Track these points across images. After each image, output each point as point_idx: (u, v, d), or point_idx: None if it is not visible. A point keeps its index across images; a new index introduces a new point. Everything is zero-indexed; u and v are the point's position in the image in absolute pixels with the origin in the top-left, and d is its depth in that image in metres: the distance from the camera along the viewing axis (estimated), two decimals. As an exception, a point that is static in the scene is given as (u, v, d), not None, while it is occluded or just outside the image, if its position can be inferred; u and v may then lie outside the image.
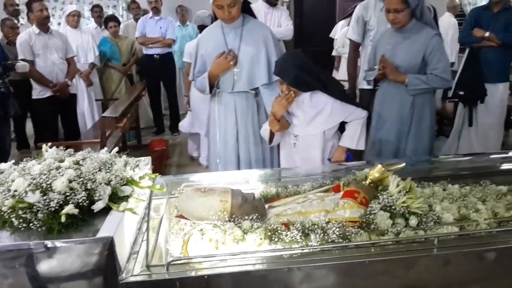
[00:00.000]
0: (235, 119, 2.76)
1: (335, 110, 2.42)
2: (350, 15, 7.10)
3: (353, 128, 2.48)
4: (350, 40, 3.83)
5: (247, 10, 2.69)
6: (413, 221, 1.63)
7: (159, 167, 4.73)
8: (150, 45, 6.01)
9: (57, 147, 1.72)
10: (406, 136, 2.89)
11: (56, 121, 4.92)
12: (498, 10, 4.16)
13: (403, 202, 1.64)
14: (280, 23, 4.54)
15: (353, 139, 2.48)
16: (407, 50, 2.79)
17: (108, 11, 7.66)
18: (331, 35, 6.58)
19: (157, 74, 6.13)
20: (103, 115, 4.16)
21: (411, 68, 2.79)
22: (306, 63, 2.36)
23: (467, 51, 4.47)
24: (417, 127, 2.87)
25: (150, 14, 6.09)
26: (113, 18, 6.14)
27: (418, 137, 2.89)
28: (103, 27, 6.36)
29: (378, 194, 1.72)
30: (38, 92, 4.66)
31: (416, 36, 2.77)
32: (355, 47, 3.83)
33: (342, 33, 5.93)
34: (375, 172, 1.83)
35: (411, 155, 2.87)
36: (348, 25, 6.98)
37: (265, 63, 2.62)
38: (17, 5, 5.94)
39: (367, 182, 1.84)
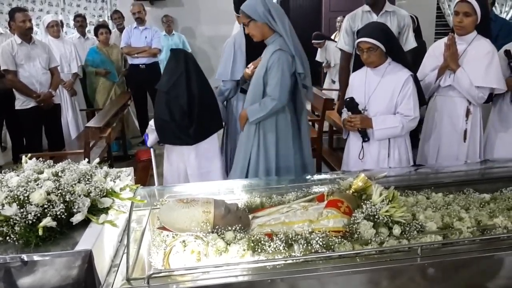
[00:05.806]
0: None
1: None
2: (321, 38, 7.23)
3: None
4: (341, 50, 3.86)
5: None
6: (396, 230, 1.63)
7: (145, 178, 4.67)
8: (136, 55, 5.99)
9: (37, 158, 1.69)
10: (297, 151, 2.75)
11: (40, 131, 4.85)
12: None
13: (386, 211, 1.64)
14: None
15: None
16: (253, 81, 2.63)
17: (93, 21, 7.61)
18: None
19: (143, 84, 6.10)
20: (87, 125, 4.10)
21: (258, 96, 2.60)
22: None
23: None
24: (300, 141, 2.77)
25: (135, 24, 6.07)
26: (103, 26, 6.04)
27: (303, 149, 2.81)
28: (86, 36, 6.31)
29: (362, 203, 1.72)
30: (22, 102, 4.58)
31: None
32: (346, 57, 3.86)
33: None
34: (358, 181, 1.83)
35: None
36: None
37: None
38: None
39: (351, 191, 1.84)
